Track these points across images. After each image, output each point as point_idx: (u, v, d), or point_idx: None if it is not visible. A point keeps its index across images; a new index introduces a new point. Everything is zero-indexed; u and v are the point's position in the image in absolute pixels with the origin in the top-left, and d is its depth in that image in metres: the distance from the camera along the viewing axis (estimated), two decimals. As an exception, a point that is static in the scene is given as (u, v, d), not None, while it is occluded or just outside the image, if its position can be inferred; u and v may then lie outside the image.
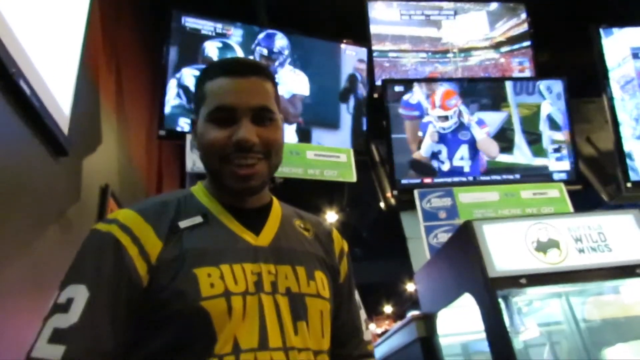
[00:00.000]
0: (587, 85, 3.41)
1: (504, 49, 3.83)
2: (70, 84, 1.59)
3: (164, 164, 3.24)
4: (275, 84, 0.90)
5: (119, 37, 2.41)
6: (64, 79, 1.56)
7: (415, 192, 2.77)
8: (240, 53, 2.95)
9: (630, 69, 3.23)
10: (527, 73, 3.71)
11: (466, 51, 3.81)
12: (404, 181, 2.92)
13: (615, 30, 3.29)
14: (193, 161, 2.41)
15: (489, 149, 3.11)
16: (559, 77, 3.31)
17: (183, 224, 0.81)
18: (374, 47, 3.58)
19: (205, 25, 2.89)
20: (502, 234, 1.79)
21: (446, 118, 3.13)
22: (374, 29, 3.65)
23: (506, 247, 1.76)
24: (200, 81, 0.89)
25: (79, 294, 0.70)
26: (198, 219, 0.83)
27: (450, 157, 3.05)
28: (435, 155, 3.05)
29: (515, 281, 1.68)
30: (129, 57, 2.60)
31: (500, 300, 1.70)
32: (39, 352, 0.67)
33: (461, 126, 3.13)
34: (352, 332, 0.96)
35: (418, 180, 2.94)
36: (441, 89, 3.22)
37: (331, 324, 0.88)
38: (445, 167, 3.02)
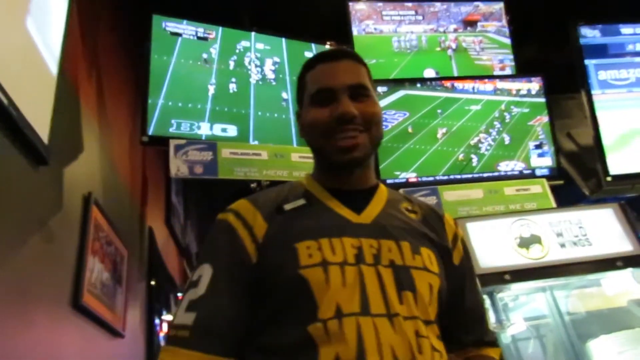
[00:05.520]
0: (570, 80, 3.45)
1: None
2: (50, 91, 1.57)
3: (148, 170, 3.21)
4: (367, 68, 0.97)
5: (99, 43, 2.39)
6: (44, 87, 1.54)
7: (401, 192, 2.79)
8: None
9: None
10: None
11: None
12: (389, 181, 2.94)
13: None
14: (177, 166, 2.40)
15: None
16: (538, 74, 3.36)
17: (288, 206, 0.89)
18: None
19: (186, 30, 2.88)
20: (486, 231, 1.82)
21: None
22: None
23: (490, 244, 1.78)
24: (301, 75, 0.98)
25: (205, 271, 0.83)
26: (301, 202, 0.90)
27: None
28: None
29: (500, 277, 1.71)
30: (109, 62, 2.57)
31: (485, 296, 1.72)
32: (178, 319, 0.79)
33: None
34: (478, 319, 0.97)
35: (403, 180, 2.97)
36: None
37: (453, 307, 0.90)
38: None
